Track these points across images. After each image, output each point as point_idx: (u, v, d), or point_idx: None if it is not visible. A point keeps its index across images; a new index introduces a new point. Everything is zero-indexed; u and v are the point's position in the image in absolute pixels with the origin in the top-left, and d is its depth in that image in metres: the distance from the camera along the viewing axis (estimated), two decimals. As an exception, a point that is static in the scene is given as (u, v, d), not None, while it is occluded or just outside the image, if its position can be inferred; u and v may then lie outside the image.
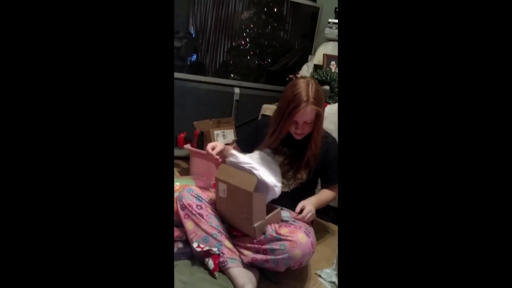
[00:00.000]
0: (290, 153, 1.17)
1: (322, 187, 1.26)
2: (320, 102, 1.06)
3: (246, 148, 1.23)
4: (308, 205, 1.09)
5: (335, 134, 1.57)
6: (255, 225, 0.99)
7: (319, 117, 1.07)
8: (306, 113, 1.04)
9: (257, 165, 1.03)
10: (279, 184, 1.05)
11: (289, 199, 1.14)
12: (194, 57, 2.80)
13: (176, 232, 1.15)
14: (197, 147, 1.79)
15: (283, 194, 1.10)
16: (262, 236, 1.00)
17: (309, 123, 1.08)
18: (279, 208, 1.08)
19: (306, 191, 1.20)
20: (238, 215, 1.04)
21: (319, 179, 1.27)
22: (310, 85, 1.06)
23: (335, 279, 1.10)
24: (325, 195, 1.21)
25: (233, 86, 2.32)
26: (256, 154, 1.11)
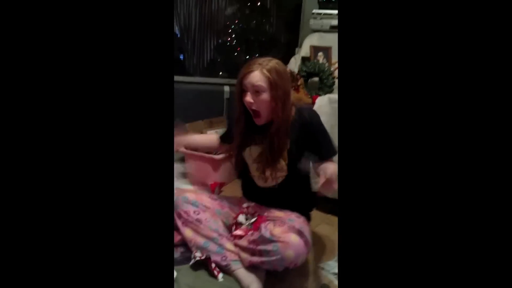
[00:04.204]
0: (265, 140, 1.05)
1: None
2: (277, 75, 0.97)
3: (229, 141, 1.17)
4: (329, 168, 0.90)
5: (326, 125, 1.57)
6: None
7: (274, 87, 0.97)
8: (254, 75, 0.96)
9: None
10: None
11: (279, 196, 1.09)
12: (182, 57, 2.78)
13: (178, 237, 1.15)
14: (191, 149, 1.78)
15: (270, 191, 1.06)
16: (257, 236, 0.99)
17: (262, 93, 0.97)
18: None
19: (298, 183, 1.10)
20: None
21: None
22: (266, 59, 1.00)
23: (338, 270, 1.11)
24: (332, 164, 0.99)
25: (223, 84, 2.30)
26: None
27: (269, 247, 0.95)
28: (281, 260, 0.94)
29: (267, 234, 0.96)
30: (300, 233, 0.97)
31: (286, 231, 0.96)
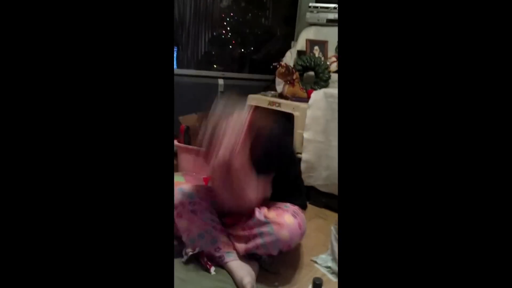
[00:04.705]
0: None
1: None
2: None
3: None
4: None
5: (322, 120, 1.57)
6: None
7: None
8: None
9: None
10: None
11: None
12: (176, 49, 2.74)
13: (171, 231, 1.15)
14: (184, 143, 1.77)
15: None
16: (251, 221, 1.01)
17: None
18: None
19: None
20: None
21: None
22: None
23: (331, 264, 1.12)
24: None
25: (217, 77, 2.28)
26: None
27: (264, 228, 0.98)
28: (276, 241, 0.97)
29: (261, 217, 0.99)
30: (294, 215, 1.01)
31: (281, 214, 1.00)
